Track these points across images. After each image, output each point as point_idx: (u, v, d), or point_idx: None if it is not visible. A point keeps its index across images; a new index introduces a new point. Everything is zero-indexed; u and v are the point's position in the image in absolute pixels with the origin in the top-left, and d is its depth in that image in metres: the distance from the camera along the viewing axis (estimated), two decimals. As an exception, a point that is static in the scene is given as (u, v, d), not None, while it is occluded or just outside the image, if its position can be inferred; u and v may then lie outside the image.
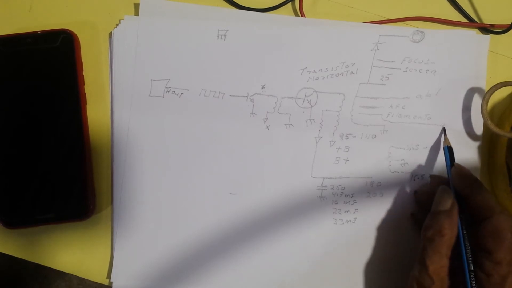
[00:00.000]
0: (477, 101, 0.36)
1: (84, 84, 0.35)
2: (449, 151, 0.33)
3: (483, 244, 0.28)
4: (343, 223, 0.36)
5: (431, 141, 0.36)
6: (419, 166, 0.36)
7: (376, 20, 0.37)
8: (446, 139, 0.34)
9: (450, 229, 0.28)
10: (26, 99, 0.34)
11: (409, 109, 0.36)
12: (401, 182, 0.36)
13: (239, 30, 0.36)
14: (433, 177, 0.35)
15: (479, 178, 0.36)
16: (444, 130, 0.35)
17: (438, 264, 0.28)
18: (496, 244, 0.27)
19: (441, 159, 0.36)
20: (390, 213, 0.36)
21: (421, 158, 0.36)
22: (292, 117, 0.36)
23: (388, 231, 0.35)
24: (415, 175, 0.36)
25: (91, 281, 0.35)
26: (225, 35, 0.36)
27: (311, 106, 0.36)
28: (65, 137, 0.34)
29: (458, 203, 0.30)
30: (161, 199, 0.35)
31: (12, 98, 0.34)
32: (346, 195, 0.36)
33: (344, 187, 0.36)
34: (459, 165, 0.32)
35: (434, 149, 0.36)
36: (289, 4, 0.37)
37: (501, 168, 0.34)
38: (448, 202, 0.29)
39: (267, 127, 0.36)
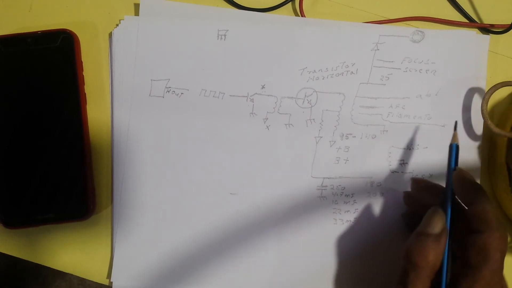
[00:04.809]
0: (477, 101, 0.36)
1: (84, 84, 0.35)
2: (456, 150, 0.30)
3: (467, 257, 0.26)
4: (343, 223, 0.36)
5: (431, 141, 0.36)
6: (419, 166, 0.36)
7: (376, 20, 0.37)
8: (455, 136, 0.31)
9: (435, 255, 0.26)
10: (26, 99, 0.34)
11: (409, 109, 0.36)
12: (401, 182, 0.36)
13: (239, 30, 0.36)
14: (414, 180, 0.33)
15: (479, 178, 0.36)
16: (456, 124, 0.31)
17: None
18: (480, 261, 0.26)
19: (441, 159, 0.36)
20: (390, 213, 0.36)
21: (421, 158, 0.36)
22: (292, 117, 0.36)
23: (388, 231, 0.35)
24: (415, 175, 0.36)
25: (91, 281, 0.35)
26: (225, 35, 0.36)
27: (311, 106, 0.36)
28: (65, 137, 0.34)
29: (453, 211, 0.28)
30: (161, 199, 0.35)
31: (12, 98, 0.34)
32: (346, 195, 0.36)
33: (344, 187, 0.36)
34: (461, 170, 0.29)
35: (434, 149, 0.36)
36: (289, 4, 0.37)
37: (501, 168, 0.34)
38: (438, 226, 0.27)
39: (267, 127, 0.36)
